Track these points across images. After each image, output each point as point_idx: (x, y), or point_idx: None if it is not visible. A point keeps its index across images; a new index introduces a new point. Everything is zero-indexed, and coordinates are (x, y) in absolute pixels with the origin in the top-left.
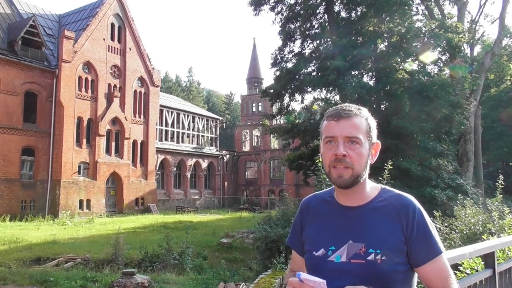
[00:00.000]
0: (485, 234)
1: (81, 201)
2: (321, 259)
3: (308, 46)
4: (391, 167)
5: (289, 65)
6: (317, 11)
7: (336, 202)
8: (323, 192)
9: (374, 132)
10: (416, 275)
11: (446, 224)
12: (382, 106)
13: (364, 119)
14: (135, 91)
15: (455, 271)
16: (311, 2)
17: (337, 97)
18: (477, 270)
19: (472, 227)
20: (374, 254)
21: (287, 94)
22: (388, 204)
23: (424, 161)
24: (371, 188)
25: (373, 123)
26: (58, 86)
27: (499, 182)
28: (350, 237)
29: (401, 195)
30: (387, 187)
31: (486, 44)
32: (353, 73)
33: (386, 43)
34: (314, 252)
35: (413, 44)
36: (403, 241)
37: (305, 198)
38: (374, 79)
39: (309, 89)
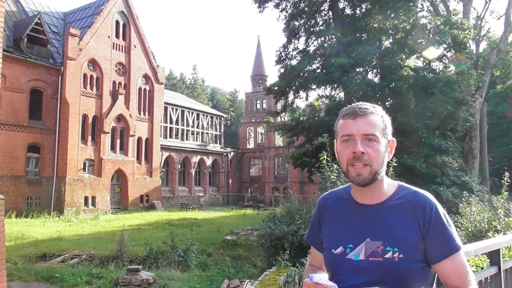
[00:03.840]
0: (491, 232)
1: (86, 198)
2: (339, 257)
3: (313, 43)
4: (396, 164)
5: (294, 62)
6: (322, 8)
7: (353, 200)
8: (340, 189)
9: (389, 130)
10: (434, 272)
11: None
12: (386, 103)
13: (380, 117)
14: (140, 88)
15: None
16: None
17: (342, 94)
18: (482, 268)
19: (478, 225)
20: (391, 252)
21: (291, 91)
22: (404, 202)
23: (429, 158)
24: (388, 185)
25: (388, 120)
26: (63, 83)
27: (505, 179)
28: (367, 235)
29: (418, 192)
30: (404, 184)
31: (492, 41)
32: (357, 70)
33: (390, 40)
34: (333, 250)
35: (418, 41)
36: (420, 238)
37: (322, 195)
38: (378, 76)
39: (314, 86)
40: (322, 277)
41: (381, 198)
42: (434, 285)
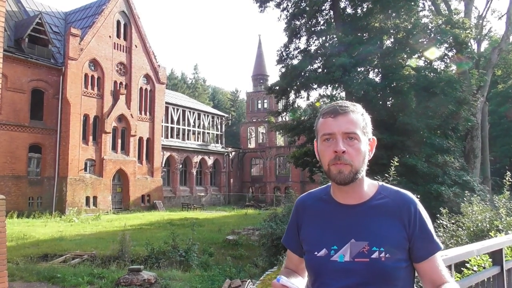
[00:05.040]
0: (493, 231)
1: (87, 198)
2: (323, 259)
3: (314, 42)
4: (397, 164)
5: (295, 62)
6: (323, 7)
7: (333, 200)
8: (318, 190)
9: (370, 128)
10: (414, 271)
11: (453, 221)
12: (388, 102)
13: (360, 115)
14: (141, 88)
15: (462, 268)
16: None
17: (343, 94)
18: (484, 268)
19: (479, 224)
20: (378, 252)
21: (292, 91)
22: (388, 201)
23: (431, 157)
24: (369, 185)
25: (368, 119)
26: (64, 83)
27: (507, 178)
28: (352, 235)
29: (400, 192)
30: (385, 184)
31: (494, 40)
32: (358, 69)
33: (392, 39)
34: (316, 253)
35: (420, 40)
36: (406, 238)
37: (299, 196)
38: (380, 75)
39: (315, 86)
40: (296, 282)
41: (363, 198)
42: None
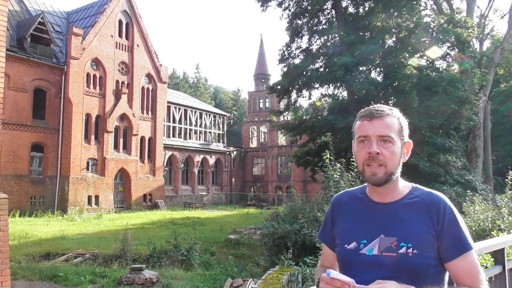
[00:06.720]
0: (495, 231)
1: (89, 197)
2: (353, 252)
3: (316, 42)
4: None
5: (297, 61)
6: (325, 6)
7: (368, 198)
8: (355, 189)
9: (406, 131)
10: (446, 270)
11: None
12: (390, 102)
13: (396, 119)
14: (143, 87)
15: None
16: None
17: (345, 93)
18: (486, 267)
19: (481, 224)
20: (405, 247)
21: (294, 90)
22: (419, 201)
23: (433, 157)
24: (403, 186)
25: (404, 122)
26: (66, 82)
27: (509, 178)
28: (382, 231)
29: (432, 193)
30: (418, 186)
31: (496, 39)
32: (360, 69)
33: (394, 39)
34: (346, 245)
35: (421, 40)
36: (434, 236)
37: (336, 194)
38: (382, 75)
39: (317, 85)
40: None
41: (396, 197)
42: (446, 284)
